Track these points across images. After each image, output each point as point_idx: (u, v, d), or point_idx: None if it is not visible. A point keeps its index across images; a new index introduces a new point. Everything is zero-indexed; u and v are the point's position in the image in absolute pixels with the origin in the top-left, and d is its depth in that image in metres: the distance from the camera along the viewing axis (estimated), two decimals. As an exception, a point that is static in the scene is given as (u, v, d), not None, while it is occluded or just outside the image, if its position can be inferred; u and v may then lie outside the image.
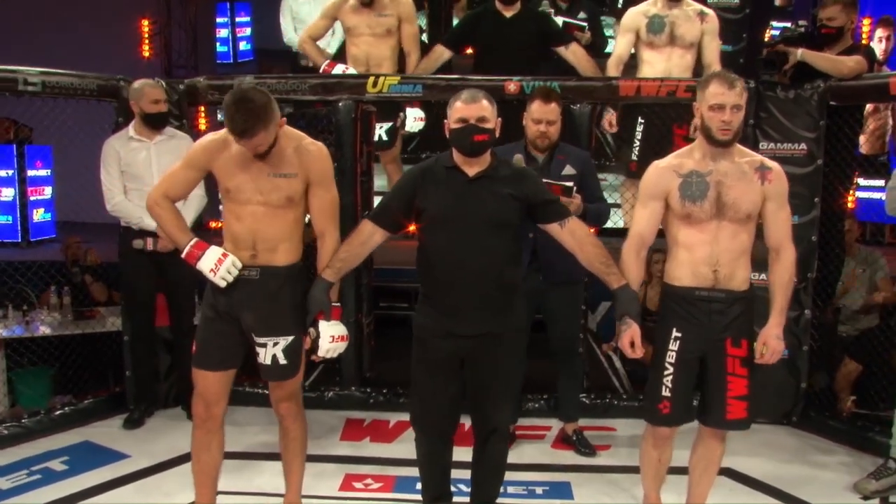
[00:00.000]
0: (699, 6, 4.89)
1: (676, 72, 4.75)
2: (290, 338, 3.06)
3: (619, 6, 7.20)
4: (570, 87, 4.52)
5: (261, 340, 3.06)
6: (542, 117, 3.83)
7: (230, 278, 2.99)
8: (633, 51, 4.98)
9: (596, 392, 4.59)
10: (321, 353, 3.02)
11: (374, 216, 3.07)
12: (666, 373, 3.04)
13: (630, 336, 2.96)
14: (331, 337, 3.01)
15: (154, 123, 4.34)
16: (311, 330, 3.03)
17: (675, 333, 3.03)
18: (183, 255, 3.05)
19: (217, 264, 2.98)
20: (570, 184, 3.69)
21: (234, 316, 3.06)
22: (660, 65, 4.83)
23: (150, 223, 4.24)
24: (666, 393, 3.05)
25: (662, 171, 3.03)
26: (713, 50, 4.87)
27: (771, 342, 2.99)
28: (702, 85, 2.97)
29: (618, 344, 3.01)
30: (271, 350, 3.05)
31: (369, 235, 3.04)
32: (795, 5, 7.66)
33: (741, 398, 3.04)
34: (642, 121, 5.39)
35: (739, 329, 3.01)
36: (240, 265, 3.00)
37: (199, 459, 3.17)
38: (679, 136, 4.62)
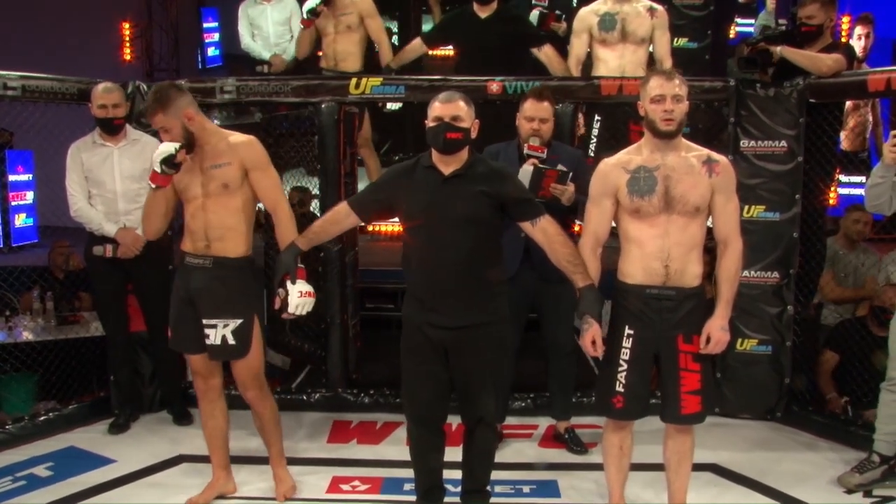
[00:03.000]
0: (648, 2, 4.97)
1: (630, 68, 4.84)
2: (240, 320, 3.37)
3: (574, 5, 7.27)
4: (551, 86, 4.52)
5: (211, 322, 3.38)
6: (534, 115, 3.88)
7: (171, 149, 3.23)
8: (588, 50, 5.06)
9: (583, 390, 4.60)
10: (291, 308, 3.23)
11: (352, 201, 3.28)
12: (620, 369, 3.11)
13: (591, 335, 3.04)
14: (299, 293, 3.22)
15: (103, 128, 4.29)
16: (280, 290, 3.24)
17: (627, 331, 3.10)
18: (149, 177, 3.33)
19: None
20: (565, 169, 3.76)
21: (193, 301, 3.41)
22: (613, 62, 4.90)
23: (109, 230, 4.26)
24: (619, 388, 3.12)
25: (610, 169, 3.11)
26: (664, 45, 4.96)
27: (715, 333, 3.04)
28: (643, 82, 3.08)
29: (580, 342, 3.07)
30: (221, 331, 3.37)
31: (344, 216, 3.25)
32: (778, 4, 7.70)
33: (695, 392, 3.09)
34: (599, 118, 5.47)
35: (691, 325, 3.07)
36: (177, 144, 3.25)
37: (207, 426, 3.61)
38: (635, 133, 4.68)
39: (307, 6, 5.22)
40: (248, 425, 3.79)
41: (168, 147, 3.25)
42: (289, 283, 3.22)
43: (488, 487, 3.40)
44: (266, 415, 3.58)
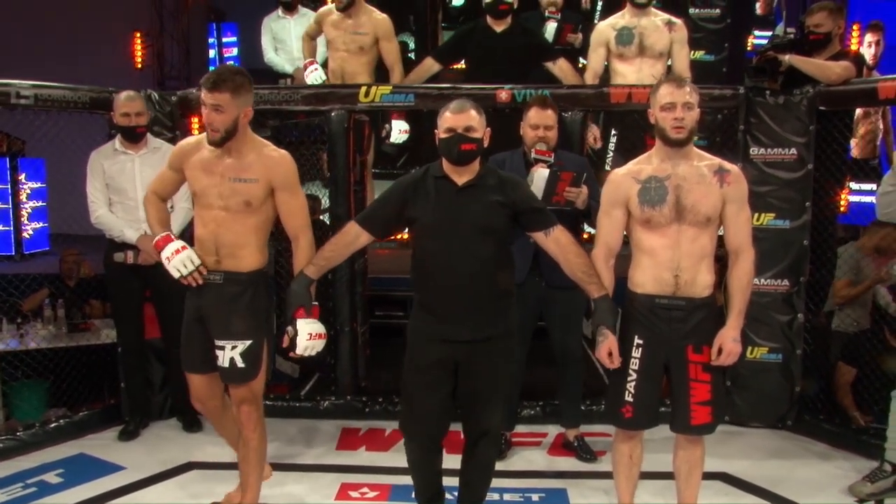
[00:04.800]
0: (667, 16, 4.95)
1: (647, 82, 4.79)
2: (249, 342, 3.19)
3: (595, 21, 7.29)
4: (561, 94, 4.55)
5: (220, 343, 3.20)
6: (539, 123, 3.89)
7: (184, 270, 3.16)
8: (606, 63, 5.05)
9: (593, 398, 4.59)
10: (299, 350, 3.05)
11: (362, 219, 3.13)
12: (629, 379, 3.09)
13: (608, 347, 3.02)
14: (308, 334, 3.04)
15: (126, 136, 4.32)
16: (289, 328, 3.05)
17: (637, 340, 3.08)
18: (153, 244, 3.30)
19: (173, 254, 3.17)
20: (578, 170, 3.76)
21: (203, 320, 3.24)
22: (631, 76, 4.87)
23: (131, 237, 4.28)
24: (628, 398, 3.10)
25: (622, 179, 3.09)
26: (682, 59, 4.93)
27: (727, 345, 3.02)
28: (653, 90, 3.05)
29: (595, 355, 3.05)
30: (229, 353, 3.18)
31: (355, 237, 3.10)
32: (787, 13, 7.72)
33: (705, 403, 3.07)
34: (615, 132, 5.44)
35: (701, 335, 3.04)
36: (197, 262, 3.17)
37: (224, 436, 3.57)
38: (651, 146, 4.66)
39: (312, 81, 5.12)
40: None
41: (189, 266, 3.15)
42: (300, 322, 3.03)
43: (497, 496, 3.37)
44: (253, 443, 3.29)
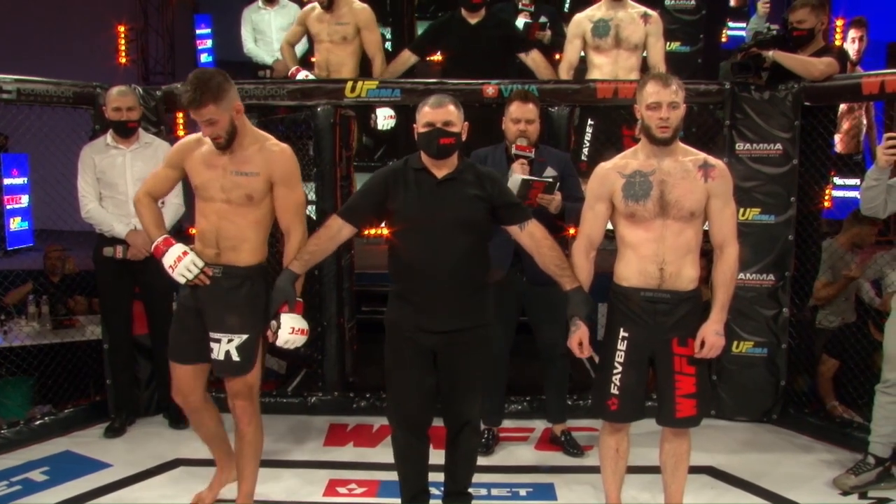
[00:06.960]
0: (643, 8, 4.97)
1: (623, 74, 4.84)
2: (245, 336, 3.20)
3: (566, 10, 7.31)
4: (547, 89, 4.56)
5: (215, 336, 3.21)
6: (521, 117, 3.89)
7: (189, 275, 3.18)
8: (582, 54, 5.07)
9: (578, 393, 4.60)
10: (279, 342, 3.10)
11: (343, 213, 3.16)
12: (615, 371, 3.11)
13: (578, 337, 3.06)
14: (290, 328, 3.08)
15: (118, 131, 4.30)
16: (273, 322, 3.10)
17: (622, 333, 3.10)
18: (152, 249, 3.29)
19: (176, 261, 3.19)
20: (551, 180, 3.77)
21: (199, 311, 3.24)
22: (607, 68, 4.90)
23: (120, 231, 4.26)
24: (614, 391, 3.12)
25: (607, 173, 3.11)
26: (658, 51, 4.95)
27: (710, 338, 3.04)
28: (639, 87, 3.06)
29: (567, 344, 3.09)
30: (225, 346, 3.19)
31: (337, 230, 3.13)
32: (771, 9, 7.77)
33: (690, 396, 3.09)
34: (592, 122, 5.47)
35: (686, 328, 3.07)
36: (200, 264, 3.19)
37: (199, 433, 3.53)
38: (627, 137, 4.70)
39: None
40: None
41: (194, 270, 3.17)
42: (283, 316, 3.07)
43: (470, 490, 3.39)
44: (248, 437, 3.32)
